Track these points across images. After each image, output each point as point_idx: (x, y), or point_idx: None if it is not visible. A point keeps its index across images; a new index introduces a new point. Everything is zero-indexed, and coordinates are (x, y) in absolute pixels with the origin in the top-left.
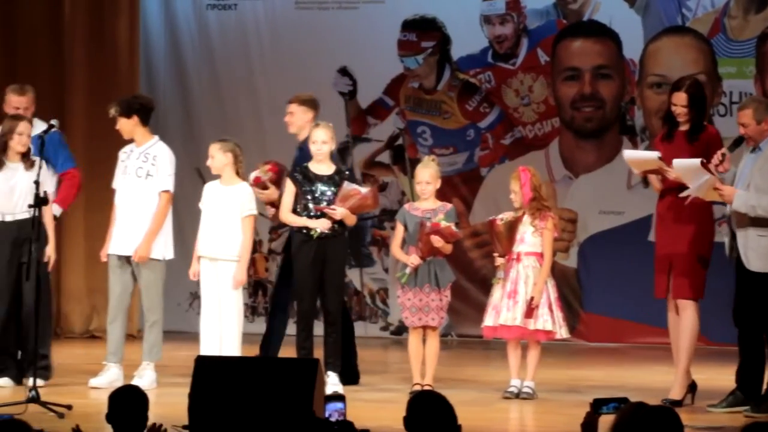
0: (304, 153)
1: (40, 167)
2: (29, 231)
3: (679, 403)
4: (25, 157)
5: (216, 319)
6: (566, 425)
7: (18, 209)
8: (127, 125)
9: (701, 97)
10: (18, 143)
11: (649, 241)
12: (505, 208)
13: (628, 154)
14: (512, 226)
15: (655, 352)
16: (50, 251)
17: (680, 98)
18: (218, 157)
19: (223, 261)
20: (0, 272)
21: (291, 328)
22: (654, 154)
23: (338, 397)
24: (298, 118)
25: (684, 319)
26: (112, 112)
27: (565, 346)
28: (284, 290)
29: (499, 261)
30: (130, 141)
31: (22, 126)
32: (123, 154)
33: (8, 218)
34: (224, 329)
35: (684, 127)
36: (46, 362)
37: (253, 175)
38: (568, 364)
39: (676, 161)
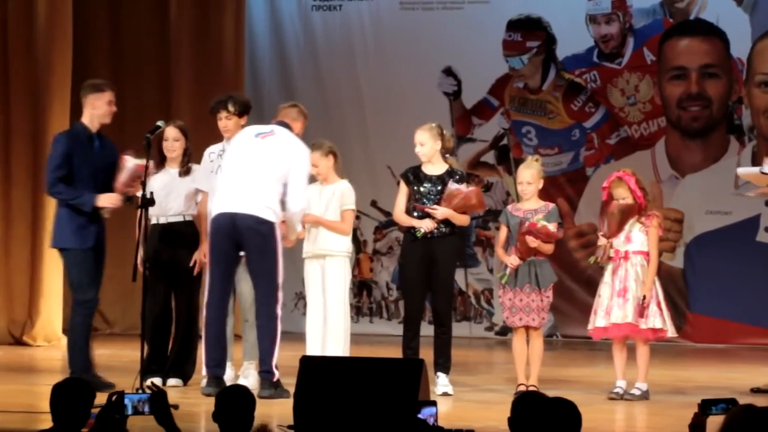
0: None
1: (147, 167)
2: (181, 233)
3: None
4: (182, 162)
5: (322, 319)
6: (673, 426)
7: (171, 212)
8: (236, 125)
9: None
10: (164, 148)
11: (758, 242)
12: None
13: (742, 171)
14: (626, 211)
15: (762, 353)
16: (198, 255)
17: None
18: (323, 164)
19: (330, 257)
20: (158, 274)
21: (397, 328)
22: (755, 169)
23: (431, 402)
24: None
25: None
26: (230, 108)
27: (671, 347)
28: None
29: (602, 241)
30: (218, 140)
31: (167, 131)
32: (212, 154)
33: (162, 220)
34: (330, 329)
35: None
36: (189, 364)
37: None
38: (674, 364)
39: (739, 170)
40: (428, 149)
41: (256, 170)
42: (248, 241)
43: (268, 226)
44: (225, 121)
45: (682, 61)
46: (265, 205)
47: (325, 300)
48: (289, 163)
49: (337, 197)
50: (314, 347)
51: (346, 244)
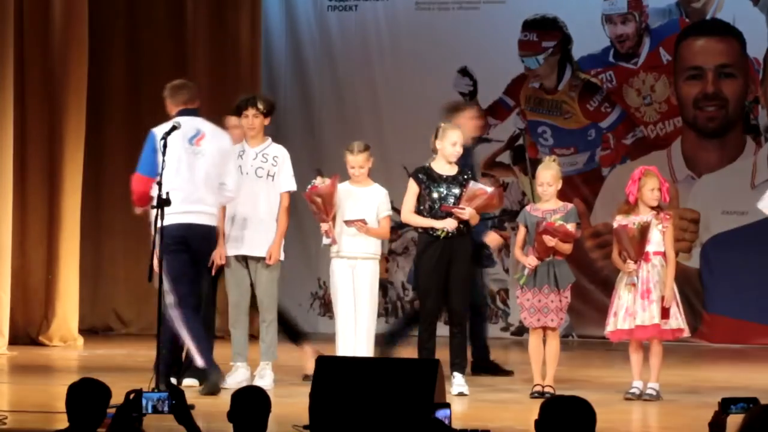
0: None
1: (163, 168)
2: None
3: None
4: None
5: (354, 318)
6: (690, 427)
7: None
8: (261, 125)
9: None
10: None
11: None
12: None
13: (763, 206)
14: (645, 230)
15: None
16: (215, 256)
17: None
18: (366, 166)
19: (361, 259)
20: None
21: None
22: None
23: (445, 404)
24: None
25: None
26: (260, 106)
27: (688, 347)
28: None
29: (632, 267)
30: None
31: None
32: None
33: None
34: (360, 328)
35: None
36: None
37: (314, 182)
38: (690, 365)
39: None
40: (461, 149)
41: (203, 179)
42: (201, 249)
43: (216, 233)
44: (252, 119)
45: (699, 61)
46: (214, 213)
47: (356, 302)
48: (223, 159)
49: (375, 203)
50: (347, 347)
51: (378, 247)
